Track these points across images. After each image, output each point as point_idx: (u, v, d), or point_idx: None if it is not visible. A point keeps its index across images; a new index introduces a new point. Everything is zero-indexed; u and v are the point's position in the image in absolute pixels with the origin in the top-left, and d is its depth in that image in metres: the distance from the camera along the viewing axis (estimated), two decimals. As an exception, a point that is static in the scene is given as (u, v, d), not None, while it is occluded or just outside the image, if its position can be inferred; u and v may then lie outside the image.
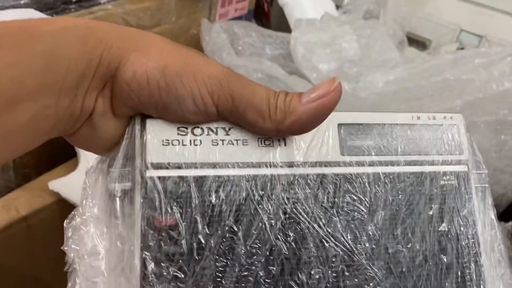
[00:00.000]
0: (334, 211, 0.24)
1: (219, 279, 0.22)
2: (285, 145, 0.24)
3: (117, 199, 0.22)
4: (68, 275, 0.22)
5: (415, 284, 0.25)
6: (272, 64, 0.63)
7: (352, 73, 0.61)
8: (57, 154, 0.56)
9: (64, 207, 0.40)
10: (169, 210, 0.22)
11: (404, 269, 0.25)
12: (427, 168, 0.26)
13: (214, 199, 0.23)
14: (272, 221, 0.23)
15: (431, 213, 0.25)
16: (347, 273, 0.24)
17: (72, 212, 0.23)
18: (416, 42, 0.81)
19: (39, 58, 0.19)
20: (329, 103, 0.23)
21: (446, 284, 0.25)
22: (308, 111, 0.23)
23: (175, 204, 0.22)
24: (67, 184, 0.49)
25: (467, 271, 0.25)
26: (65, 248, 0.22)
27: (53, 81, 0.19)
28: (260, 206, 0.23)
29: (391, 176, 0.25)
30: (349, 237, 0.24)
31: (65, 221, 0.22)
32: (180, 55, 0.22)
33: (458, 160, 0.26)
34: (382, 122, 0.26)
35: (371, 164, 0.25)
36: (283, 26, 0.78)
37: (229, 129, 0.23)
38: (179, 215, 0.22)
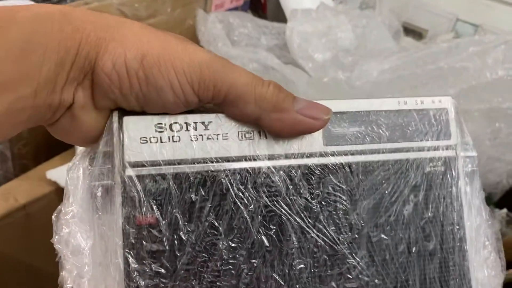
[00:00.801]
0: (316, 202, 0.24)
1: (201, 274, 0.22)
2: (265, 137, 0.24)
3: (99, 197, 0.22)
4: (60, 265, 0.23)
5: (397, 271, 0.25)
6: (267, 54, 0.63)
7: (348, 63, 0.61)
8: (55, 144, 0.56)
9: (61, 196, 0.41)
10: (149, 208, 0.22)
11: (387, 258, 0.25)
12: (412, 155, 0.25)
13: (194, 195, 0.22)
14: (253, 215, 0.23)
15: (415, 200, 0.25)
16: (329, 263, 0.24)
17: (59, 207, 0.23)
18: (412, 32, 0.81)
19: (14, 44, 0.19)
20: (314, 128, 0.23)
21: (430, 270, 0.25)
22: (296, 121, 0.23)
23: (154, 202, 0.22)
24: (64, 173, 0.49)
25: (451, 256, 0.25)
26: (54, 241, 0.22)
27: (30, 70, 0.19)
28: (240, 200, 0.23)
29: (375, 165, 0.25)
30: (331, 228, 0.24)
31: (53, 215, 0.23)
32: (158, 42, 0.21)
33: (445, 145, 0.26)
34: (367, 109, 0.25)
35: (355, 153, 0.25)
36: (280, 17, 0.78)
37: (208, 124, 0.23)
38: (159, 213, 0.22)
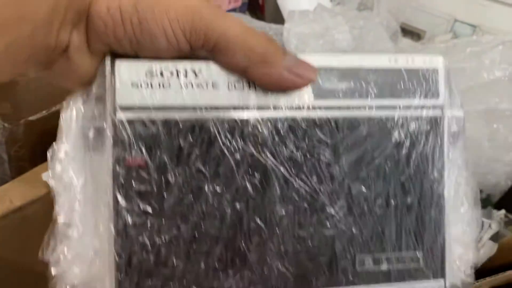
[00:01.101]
0: (300, 154, 0.25)
1: (187, 215, 0.23)
2: (255, 88, 0.24)
3: (90, 138, 0.23)
4: (54, 202, 0.24)
5: (374, 223, 0.25)
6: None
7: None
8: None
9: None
10: (139, 151, 0.23)
11: (365, 209, 0.25)
12: (399, 113, 0.26)
13: (182, 141, 0.23)
14: (239, 163, 0.24)
15: (398, 157, 0.26)
16: (309, 211, 0.25)
17: (53, 144, 0.24)
18: (411, 33, 0.81)
19: None
20: (299, 86, 0.24)
21: (406, 224, 0.26)
22: (282, 77, 0.23)
23: (144, 145, 0.23)
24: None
25: (428, 211, 0.26)
26: (48, 176, 0.24)
27: (27, 12, 0.20)
28: (227, 148, 0.24)
29: (360, 121, 0.25)
30: (313, 178, 0.25)
31: (47, 152, 0.23)
32: None
33: (432, 104, 0.26)
34: (358, 65, 0.25)
35: (342, 108, 0.25)
36: (277, 19, 0.78)
37: (199, 71, 0.23)
38: (148, 156, 0.23)
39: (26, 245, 0.44)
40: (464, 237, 0.27)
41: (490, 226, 0.54)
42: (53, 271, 0.24)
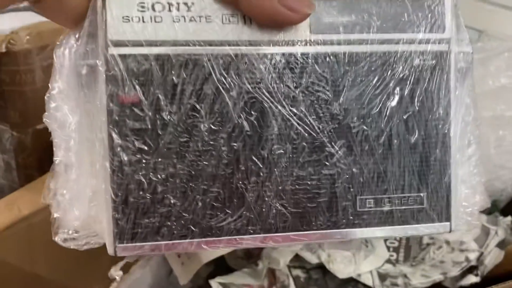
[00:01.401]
0: (299, 91, 0.24)
1: (183, 153, 0.23)
2: (250, 22, 0.23)
3: (84, 75, 0.23)
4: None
5: (376, 163, 0.25)
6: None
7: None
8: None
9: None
10: (132, 88, 0.22)
11: (366, 148, 0.25)
12: (402, 47, 0.25)
13: (175, 78, 0.23)
14: (235, 100, 0.23)
15: (401, 94, 0.25)
16: (307, 150, 0.24)
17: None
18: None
19: None
20: (293, 22, 0.23)
21: (409, 164, 0.25)
22: (275, 10, 0.22)
23: (137, 82, 0.22)
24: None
25: (433, 151, 0.25)
26: (44, 116, 0.23)
27: None
28: (222, 85, 0.23)
29: (362, 56, 0.24)
30: (312, 117, 0.24)
31: (46, 94, 0.23)
32: None
33: (438, 38, 0.25)
34: None
35: (342, 43, 0.24)
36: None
37: (191, 5, 0.23)
38: (141, 92, 0.23)
39: (34, 253, 0.44)
40: (471, 178, 0.26)
41: (496, 233, 0.54)
42: (54, 214, 0.24)
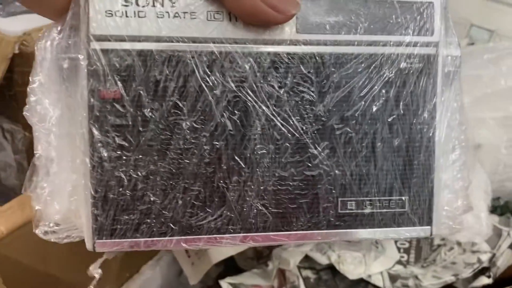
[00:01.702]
0: (283, 92, 0.24)
1: (164, 151, 0.23)
2: (236, 20, 0.23)
3: (65, 69, 0.23)
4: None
5: (358, 165, 0.25)
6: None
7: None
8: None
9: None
10: (113, 83, 0.22)
11: (349, 151, 0.24)
12: (389, 50, 0.24)
13: (158, 74, 0.22)
14: (218, 99, 0.23)
15: (386, 96, 0.24)
16: (290, 151, 0.24)
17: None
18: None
19: None
20: (276, 22, 0.22)
21: (392, 167, 0.25)
22: (257, 9, 0.22)
23: (119, 77, 0.22)
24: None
25: (416, 155, 0.25)
26: (25, 112, 0.23)
27: None
28: (206, 83, 0.23)
29: (348, 57, 0.24)
30: (295, 117, 0.24)
31: (28, 88, 0.23)
32: None
33: (426, 41, 0.25)
34: None
35: (328, 43, 0.24)
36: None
37: (176, 0, 0.22)
38: (123, 88, 0.22)
39: (46, 253, 0.45)
40: (454, 183, 0.26)
41: (508, 234, 0.53)
42: (35, 206, 0.24)
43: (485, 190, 0.50)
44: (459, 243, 0.52)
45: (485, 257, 0.50)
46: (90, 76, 0.22)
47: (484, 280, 0.49)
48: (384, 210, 0.25)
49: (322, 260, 0.50)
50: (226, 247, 0.24)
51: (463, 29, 0.78)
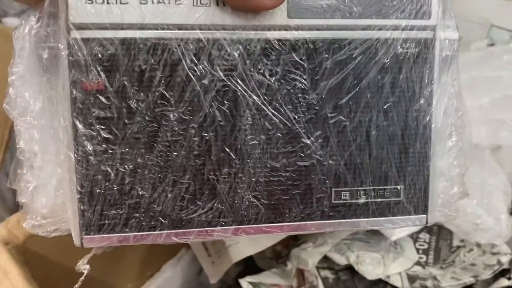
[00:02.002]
0: (274, 80, 0.23)
1: (152, 143, 0.22)
2: (224, 5, 0.22)
3: (45, 59, 0.22)
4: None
5: (352, 154, 0.24)
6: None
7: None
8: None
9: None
10: (96, 74, 0.21)
11: (343, 140, 0.24)
12: (384, 34, 0.23)
13: (143, 64, 0.22)
14: (207, 89, 0.22)
15: (382, 83, 0.24)
16: (282, 141, 0.23)
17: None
18: (445, 39, 0.79)
19: None
20: (266, 7, 0.21)
21: (387, 155, 0.24)
22: None
23: (101, 67, 0.21)
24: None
25: (412, 143, 0.24)
26: (4, 105, 0.22)
27: None
28: (193, 73, 0.22)
29: (342, 43, 0.23)
30: (287, 106, 0.23)
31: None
32: None
33: (423, 25, 0.24)
34: None
35: (321, 28, 0.23)
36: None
37: None
38: (106, 79, 0.21)
39: (72, 250, 0.46)
40: (450, 170, 0.26)
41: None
42: (21, 200, 0.23)
43: (504, 191, 0.50)
44: (478, 245, 0.51)
45: (505, 259, 0.50)
46: (72, 67, 0.21)
47: (504, 282, 0.49)
48: (379, 200, 0.25)
49: (341, 260, 0.50)
50: (218, 239, 0.24)
51: (483, 29, 0.78)
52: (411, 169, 0.25)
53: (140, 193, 0.23)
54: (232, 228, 0.24)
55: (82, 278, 0.24)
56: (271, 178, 0.24)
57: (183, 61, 0.22)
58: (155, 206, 0.23)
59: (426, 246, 0.54)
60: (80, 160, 0.22)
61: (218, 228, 0.24)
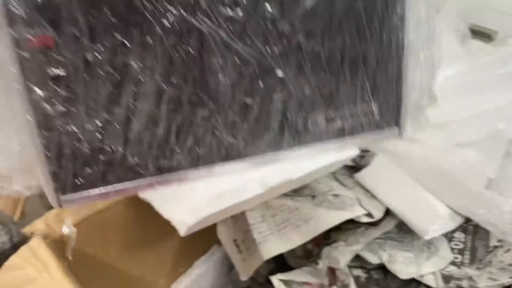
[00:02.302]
0: (241, 11, 0.21)
1: (117, 97, 0.21)
2: None
3: None
4: None
5: (328, 81, 0.24)
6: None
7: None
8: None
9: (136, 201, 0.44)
10: (41, 28, 0.19)
11: (317, 67, 0.23)
12: None
13: (94, 11, 0.19)
14: (169, 30, 0.20)
15: (355, 6, 0.23)
16: (255, 77, 0.23)
17: None
18: (481, 34, 0.78)
19: None
20: None
21: (361, 77, 0.24)
22: None
23: (47, 20, 0.19)
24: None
25: (386, 60, 0.25)
26: None
27: None
28: (152, 14, 0.20)
29: None
30: (258, 39, 0.22)
31: None
32: None
33: None
34: None
35: None
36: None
37: None
38: (55, 33, 0.19)
39: (107, 245, 0.47)
40: (422, 81, 0.26)
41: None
42: None
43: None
44: (517, 245, 0.50)
45: (544, 260, 0.48)
46: (12, 23, 0.19)
47: (544, 283, 0.48)
48: (354, 121, 0.25)
49: (373, 259, 0.50)
50: (200, 181, 0.23)
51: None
52: (385, 87, 0.25)
53: (113, 147, 0.21)
54: (215, 167, 0.23)
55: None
56: (247, 115, 0.23)
57: (139, 2, 0.20)
58: (131, 158, 0.22)
59: (461, 245, 0.52)
60: (41, 124, 0.20)
61: (199, 168, 0.23)
